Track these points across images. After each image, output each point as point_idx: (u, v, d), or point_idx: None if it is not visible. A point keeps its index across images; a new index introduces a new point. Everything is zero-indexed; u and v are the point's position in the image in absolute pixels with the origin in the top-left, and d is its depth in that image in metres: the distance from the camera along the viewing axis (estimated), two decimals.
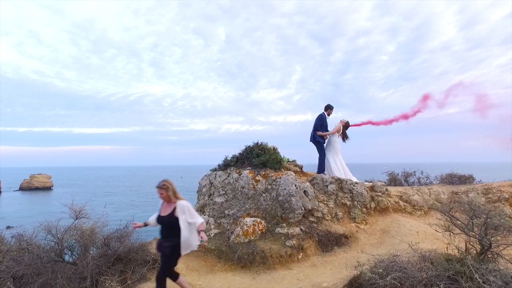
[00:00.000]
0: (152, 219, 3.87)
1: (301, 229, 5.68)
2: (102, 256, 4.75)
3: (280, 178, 6.25)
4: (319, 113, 7.96)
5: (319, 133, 7.79)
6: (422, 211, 7.05)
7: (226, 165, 7.10)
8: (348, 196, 6.68)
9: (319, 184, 6.82)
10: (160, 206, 3.82)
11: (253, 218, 5.82)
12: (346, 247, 5.62)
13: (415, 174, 9.52)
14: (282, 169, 6.88)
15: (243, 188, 6.36)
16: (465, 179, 8.40)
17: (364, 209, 6.58)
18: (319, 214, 6.12)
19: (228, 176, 6.72)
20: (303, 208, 5.96)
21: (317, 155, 7.97)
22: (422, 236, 5.76)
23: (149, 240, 5.99)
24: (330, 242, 5.62)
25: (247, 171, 6.55)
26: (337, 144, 7.92)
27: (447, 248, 4.01)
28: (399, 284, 3.42)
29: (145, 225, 3.94)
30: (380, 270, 3.59)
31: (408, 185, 9.12)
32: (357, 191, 6.70)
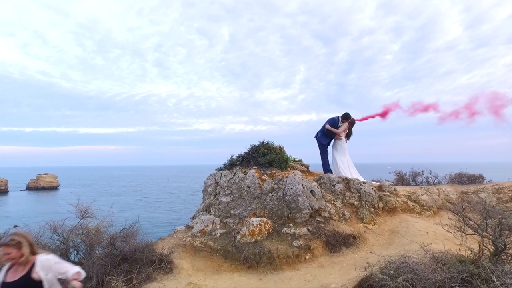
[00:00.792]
0: None
1: (308, 229, 5.59)
2: (108, 255, 4.72)
3: (287, 177, 6.17)
4: (331, 117, 7.91)
5: (328, 127, 7.67)
6: (432, 211, 6.93)
7: (231, 165, 7.03)
8: (356, 196, 6.58)
9: (326, 183, 6.73)
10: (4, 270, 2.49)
11: (259, 218, 5.75)
12: (354, 247, 5.52)
13: (423, 174, 9.38)
14: (289, 169, 6.80)
15: (249, 187, 6.29)
16: (475, 179, 8.25)
17: (372, 209, 6.48)
18: (327, 214, 6.03)
19: (234, 175, 6.65)
20: (310, 208, 5.87)
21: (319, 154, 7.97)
22: (432, 236, 5.64)
23: (155, 240, 5.95)
24: (337, 243, 5.52)
25: (253, 170, 6.48)
26: (344, 143, 7.83)
27: (459, 249, 3.90)
28: (410, 286, 3.33)
29: None
30: (391, 271, 3.50)
31: (416, 185, 8.99)
32: (364, 191, 6.59)
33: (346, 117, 7.80)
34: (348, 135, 8.04)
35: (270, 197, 6.13)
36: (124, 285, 4.35)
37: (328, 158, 8.02)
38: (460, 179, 8.41)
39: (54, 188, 76.76)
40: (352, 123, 8.02)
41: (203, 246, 5.63)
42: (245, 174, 6.50)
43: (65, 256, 4.67)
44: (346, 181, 6.89)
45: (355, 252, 5.42)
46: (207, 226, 6.12)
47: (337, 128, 7.84)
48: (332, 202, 6.37)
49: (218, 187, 6.77)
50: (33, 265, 2.49)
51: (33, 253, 2.52)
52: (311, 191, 6.12)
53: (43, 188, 74.90)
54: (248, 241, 5.43)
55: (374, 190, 6.77)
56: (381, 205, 6.66)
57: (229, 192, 6.50)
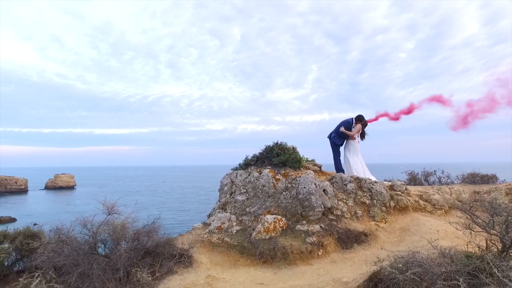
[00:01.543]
0: None
1: (321, 227, 5.82)
2: (133, 249, 5.05)
3: (300, 177, 6.41)
4: (348, 118, 8.13)
5: (342, 129, 7.90)
6: (443, 210, 7.04)
7: (246, 164, 7.31)
8: (367, 195, 6.77)
9: (338, 183, 6.93)
10: None
11: (273, 216, 6.00)
12: (365, 244, 5.72)
13: (435, 174, 9.45)
14: (302, 168, 7.03)
15: (263, 186, 6.56)
16: (488, 179, 8.29)
17: (384, 207, 6.65)
18: (339, 212, 6.24)
19: (248, 175, 6.93)
20: (322, 206, 6.09)
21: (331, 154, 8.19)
22: (443, 234, 5.78)
23: (175, 236, 6.28)
24: (349, 240, 5.73)
25: (268, 170, 6.74)
26: (357, 144, 8.02)
27: (467, 245, 4.07)
28: (418, 279, 3.52)
29: None
30: (400, 265, 3.70)
31: (429, 185, 9.07)
32: (376, 190, 6.77)
33: (360, 119, 8.00)
34: (362, 136, 8.23)
35: (284, 195, 6.38)
36: (149, 277, 4.67)
37: (340, 158, 8.22)
38: (473, 179, 8.47)
39: (71, 187, 78.85)
40: (365, 124, 8.20)
41: (220, 242, 5.91)
42: (260, 173, 6.77)
43: (93, 249, 5.03)
44: (358, 180, 7.07)
45: (367, 248, 5.61)
46: (224, 223, 6.41)
47: (351, 129, 8.05)
48: (344, 201, 6.57)
49: (234, 186, 7.06)
50: None
51: None
52: (324, 190, 6.34)
53: (61, 188, 77.06)
54: (263, 238, 5.69)
55: (386, 190, 6.93)
56: (392, 204, 6.82)
57: (245, 191, 6.78)
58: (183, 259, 5.34)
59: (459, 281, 3.16)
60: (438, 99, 8.08)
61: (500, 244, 4.09)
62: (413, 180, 9.62)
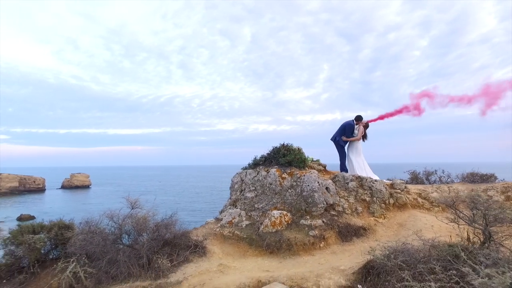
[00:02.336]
0: None
1: (323, 221, 6.34)
2: (153, 240, 5.69)
3: (304, 175, 6.94)
4: (348, 120, 8.62)
5: (344, 138, 8.44)
6: (440, 207, 7.45)
7: (255, 164, 7.88)
8: (368, 193, 7.25)
9: (341, 181, 7.43)
10: None
11: (279, 211, 6.55)
12: (364, 238, 6.21)
13: (436, 173, 9.82)
14: (306, 168, 7.56)
15: (270, 184, 7.11)
16: (487, 178, 8.63)
17: (383, 204, 7.12)
18: (340, 208, 6.75)
19: (257, 174, 7.49)
20: (325, 203, 6.61)
21: (337, 155, 8.68)
22: (437, 229, 6.21)
23: (190, 229, 6.90)
24: (349, 233, 6.23)
25: (275, 169, 7.29)
26: (359, 145, 8.50)
27: (450, 237, 4.54)
28: (404, 265, 4.02)
29: None
30: (387, 252, 4.21)
31: (430, 184, 9.46)
32: (376, 188, 7.24)
33: (359, 119, 8.49)
34: (363, 137, 8.70)
35: (289, 193, 6.93)
36: (168, 263, 5.30)
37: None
38: (473, 178, 8.82)
39: (86, 187, 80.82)
40: (366, 126, 8.67)
41: (231, 235, 6.50)
42: (267, 172, 7.33)
43: (119, 239, 5.69)
44: (359, 179, 7.56)
45: (365, 241, 6.11)
46: (234, 218, 6.99)
47: (354, 130, 8.54)
48: (346, 198, 7.07)
49: (244, 184, 7.64)
50: None
51: None
52: (326, 188, 6.85)
53: (76, 187, 79.07)
54: (270, 231, 6.24)
55: (385, 188, 7.40)
56: (391, 201, 7.28)
57: (253, 188, 7.35)
58: (198, 250, 5.94)
59: (436, 264, 3.64)
60: (426, 95, 8.42)
61: (483, 236, 4.54)
62: (415, 179, 10.01)
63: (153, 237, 5.72)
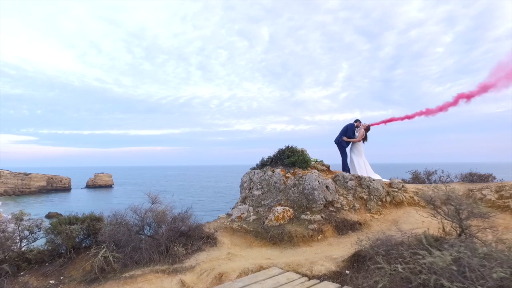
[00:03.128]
0: None
1: (321, 217, 7.01)
2: (171, 230, 6.54)
3: (306, 175, 7.63)
4: (349, 123, 9.31)
5: (345, 139, 9.08)
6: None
7: (262, 165, 8.63)
8: (366, 191, 7.85)
9: (341, 180, 8.06)
10: None
11: (283, 207, 7.27)
12: (359, 231, 6.83)
13: (436, 173, 10.23)
14: (309, 168, 8.23)
15: (275, 183, 7.84)
16: (486, 178, 9.01)
17: (380, 202, 7.70)
18: (338, 205, 7.39)
19: (264, 173, 8.23)
20: (324, 200, 7.27)
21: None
22: (427, 224, 6.72)
23: (203, 222, 7.72)
24: (345, 227, 6.87)
25: (279, 169, 8.01)
26: (360, 147, 9.09)
27: (428, 229, 5.12)
28: (383, 252, 4.66)
29: None
30: (370, 242, 4.86)
31: (430, 183, 9.90)
32: (373, 187, 7.83)
33: (358, 120, 9.19)
34: (364, 140, 9.30)
35: (292, 191, 7.63)
36: (183, 251, 6.13)
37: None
38: (472, 178, 9.20)
39: (109, 186, 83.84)
40: (367, 129, 9.26)
41: (240, 228, 7.27)
42: (273, 172, 8.06)
43: (141, 229, 6.57)
44: (359, 178, 8.16)
45: (359, 235, 6.70)
46: (243, 213, 7.76)
47: (355, 132, 9.17)
48: (345, 195, 7.70)
49: (252, 183, 8.40)
50: None
51: None
52: (326, 186, 7.51)
53: (100, 186, 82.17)
54: (273, 225, 6.97)
55: (382, 186, 7.97)
56: (388, 199, 7.85)
57: (260, 187, 8.10)
58: (209, 240, 6.75)
59: (404, 250, 4.27)
60: (429, 112, 8.95)
61: (459, 229, 5.10)
62: (416, 179, 10.44)
63: (170, 228, 6.57)
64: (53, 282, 5.89)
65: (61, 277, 6.01)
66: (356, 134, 9.09)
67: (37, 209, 45.59)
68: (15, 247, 6.50)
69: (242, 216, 7.69)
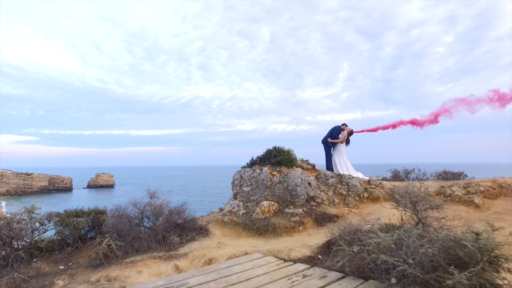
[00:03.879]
0: None
1: (303, 210, 7.78)
2: (167, 222, 7.31)
3: (290, 173, 8.40)
4: (337, 125, 10.12)
5: (330, 140, 9.87)
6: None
7: (252, 164, 9.40)
8: (345, 187, 8.61)
9: (322, 178, 8.83)
10: None
11: (269, 202, 8.04)
12: (336, 224, 7.59)
13: (414, 171, 10.99)
14: (294, 167, 9.00)
15: (263, 180, 8.61)
16: (457, 176, 9.76)
17: (357, 197, 8.47)
18: (319, 200, 8.16)
19: (253, 171, 9.00)
20: (306, 195, 8.04)
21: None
22: (397, 217, 7.51)
23: (197, 216, 8.50)
24: (324, 220, 7.64)
25: (267, 168, 8.78)
26: (342, 147, 9.88)
27: (389, 219, 5.89)
28: (349, 238, 5.43)
29: None
30: (339, 231, 5.63)
31: (408, 181, 10.65)
32: (352, 184, 8.60)
33: (344, 124, 9.97)
34: (347, 142, 10.10)
35: (278, 187, 8.40)
36: (178, 240, 6.90)
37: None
38: (446, 176, 9.95)
39: (110, 186, 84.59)
40: (350, 133, 10.05)
41: (230, 221, 8.04)
42: (261, 170, 8.83)
43: (141, 221, 7.35)
44: (339, 176, 8.93)
45: (336, 226, 7.49)
46: (234, 208, 8.53)
47: (340, 134, 9.96)
48: (325, 191, 8.47)
49: (242, 180, 9.16)
50: None
51: None
52: (308, 183, 8.28)
53: (101, 186, 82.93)
54: (260, 217, 7.74)
55: (361, 183, 8.74)
56: (366, 195, 8.61)
57: (250, 184, 8.87)
58: (202, 231, 7.52)
59: (362, 235, 5.03)
60: (414, 123, 9.86)
61: (417, 219, 5.87)
62: (396, 177, 11.20)
63: (167, 220, 7.35)
64: (63, 267, 6.67)
65: (69, 263, 6.79)
66: (340, 136, 9.87)
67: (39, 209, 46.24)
68: (28, 238, 7.28)
69: (232, 210, 8.46)
